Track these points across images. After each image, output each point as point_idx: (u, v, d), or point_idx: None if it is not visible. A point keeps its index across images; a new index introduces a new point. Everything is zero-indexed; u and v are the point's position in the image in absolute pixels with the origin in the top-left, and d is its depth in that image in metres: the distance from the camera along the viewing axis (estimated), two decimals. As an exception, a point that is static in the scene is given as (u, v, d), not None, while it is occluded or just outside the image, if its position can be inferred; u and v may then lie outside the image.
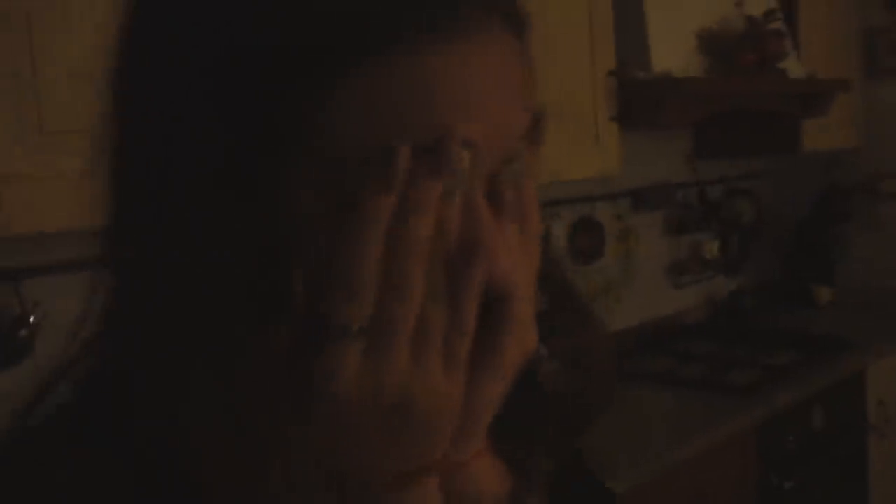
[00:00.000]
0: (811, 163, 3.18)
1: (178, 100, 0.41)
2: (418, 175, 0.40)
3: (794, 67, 2.55)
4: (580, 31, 1.97)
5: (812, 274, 3.16)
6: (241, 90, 0.40)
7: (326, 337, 0.40)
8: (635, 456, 1.81)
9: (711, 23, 2.34)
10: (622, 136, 2.10)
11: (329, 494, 0.41)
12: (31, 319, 1.44)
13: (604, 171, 2.08)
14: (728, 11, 2.38)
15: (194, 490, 0.42)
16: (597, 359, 0.53)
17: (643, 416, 2.08)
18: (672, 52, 2.21)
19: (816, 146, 2.86)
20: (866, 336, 2.65)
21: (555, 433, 0.53)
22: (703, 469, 1.90)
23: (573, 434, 0.55)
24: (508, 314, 0.43)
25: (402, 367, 0.40)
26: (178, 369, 0.41)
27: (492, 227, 0.43)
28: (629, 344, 2.49)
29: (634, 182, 2.57)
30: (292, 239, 0.41)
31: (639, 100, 2.11)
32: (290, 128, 0.40)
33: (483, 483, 0.48)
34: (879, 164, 3.12)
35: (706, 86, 2.33)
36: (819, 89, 2.67)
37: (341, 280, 0.40)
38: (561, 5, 1.91)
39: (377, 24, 0.39)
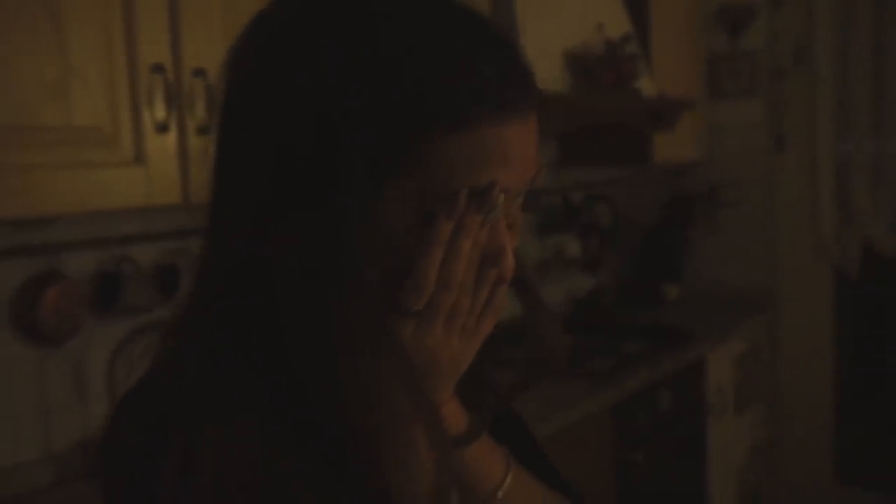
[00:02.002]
0: (660, 173, 3.38)
1: (336, 127, 0.57)
2: (469, 210, 0.58)
3: (646, 87, 2.72)
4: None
5: (661, 273, 3.35)
6: (378, 130, 0.56)
7: (396, 313, 0.59)
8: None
9: (576, 44, 2.51)
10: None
11: (402, 404, 0.59)
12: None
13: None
14: (590, 35, 2.55)
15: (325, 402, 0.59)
16: (549, 335, 0.72)
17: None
18: (542, 70, 2.39)
19: (665, 158, 3.04)
20: (707, 328, 2.87)
21: (511, 386, 0.73)
22: (567, 444, 2.06)
23: (525, 387, 0.74)
24: (497, 300, 0.64)
25: (437, 336, 0.61)
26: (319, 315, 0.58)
27: (508, 243, 0.63)
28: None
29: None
30: (377, 242, 0.58)
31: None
32: (401, 162, 0.57)
33: (451, 418, 0.66)
34: (719, 174, 3.34)
35: (571, 101, 2.48)
36: (668, 107, 2.84)
37: (414, 277, 0.59)
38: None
39: (481, 103, 0.57)
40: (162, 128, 1.54)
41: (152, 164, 1.54)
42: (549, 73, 2.43)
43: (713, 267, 3.41)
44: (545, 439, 2.01)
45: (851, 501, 3.32)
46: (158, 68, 1.53)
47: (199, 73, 1.58)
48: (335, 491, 0.60)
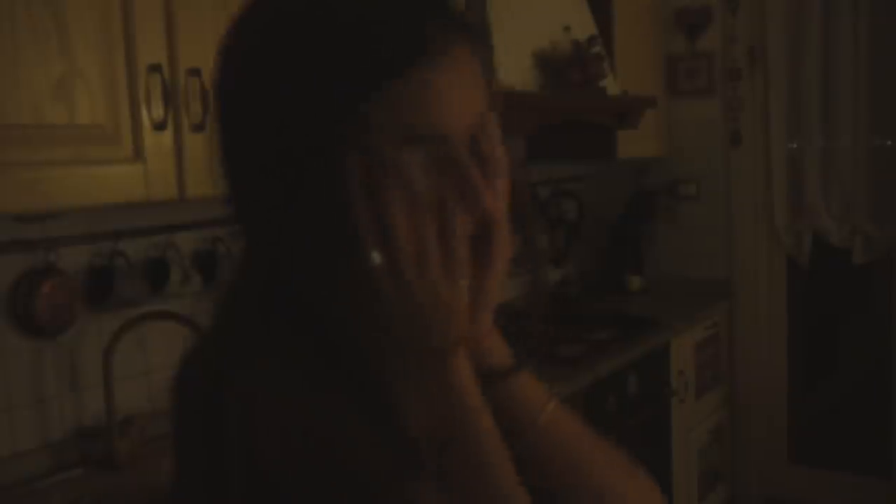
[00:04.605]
0: (624, 168, 3.48)
1: (297, 103, 0.62)
2: (397, 160, 0.62)
3: (610, 86, 2.82)
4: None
5: (625, 265, 3.44)
6: (331, 93, 0.61)
7: (367, 265, 0.63)
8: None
9: (544, 45, 2.60)
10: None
11: (397, 357, 0.65)
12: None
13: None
14: (558, 36, 2.65)
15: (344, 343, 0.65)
16: (538, 275, 0.79)
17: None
18: (513, 69, 2.47)
19: (628, 154, 3.15)
20: (669, 316, 2.98)
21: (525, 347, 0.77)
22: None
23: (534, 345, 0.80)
24: (498, 236, 0.65)
25: (411, 283, 0.62)
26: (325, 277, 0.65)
27: (476, 178, 0.63)
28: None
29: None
30: (351, 195, 0.62)
31: (485, 111, 2.36)
32: (348, 128, 0.61)
33: (495, 352, 0.71)
34: (678, 170, 3.47)
35: (540, 100, 2.57)
36: (631, 105, 2.95)
37: (359, 231, 0.62)
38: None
39: (409, 51, 0.61)
40: (159, 126, 1.61)
41: (150, 160, 1.60)
42: (519, 72, 2.51)
43: (674, 258, 3.53)
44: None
45: (804, 479, 3.47)
46: (156, 68, 1.59)
47: (195, 72, 1.64)
48: (363, 426, 0.64)
